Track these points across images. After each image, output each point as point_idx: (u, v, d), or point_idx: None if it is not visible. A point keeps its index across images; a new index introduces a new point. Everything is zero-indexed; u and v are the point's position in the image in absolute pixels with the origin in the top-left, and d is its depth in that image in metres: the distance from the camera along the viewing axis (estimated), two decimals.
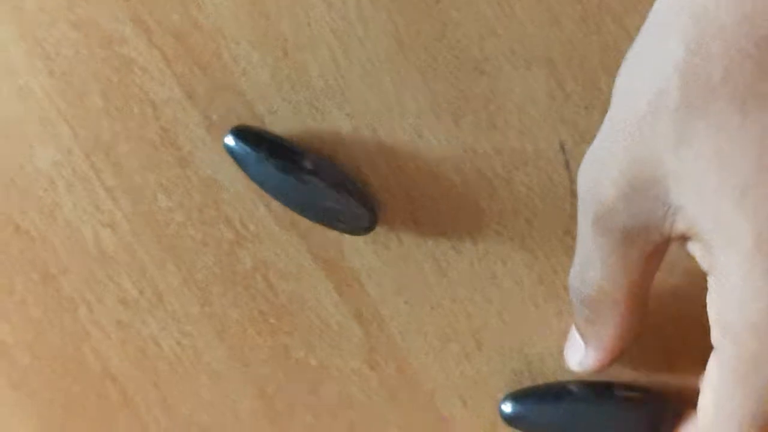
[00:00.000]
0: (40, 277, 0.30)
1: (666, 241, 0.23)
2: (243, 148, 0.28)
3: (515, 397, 0.29)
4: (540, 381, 0.30)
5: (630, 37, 0.29)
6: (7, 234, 0.30)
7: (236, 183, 0.30)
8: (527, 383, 0.30)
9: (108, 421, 0.30)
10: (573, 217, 0.29)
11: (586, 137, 0.29)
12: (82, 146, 0.30)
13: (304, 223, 0.30)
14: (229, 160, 0.29)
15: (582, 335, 0.27)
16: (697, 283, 0.23)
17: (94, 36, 0.29)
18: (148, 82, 0.29)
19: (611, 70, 0.29)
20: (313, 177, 0.28)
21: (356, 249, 0.30)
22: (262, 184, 0.28)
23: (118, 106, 0.29)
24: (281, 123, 0.29)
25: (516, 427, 0.29)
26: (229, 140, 0.28)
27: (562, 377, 0.30)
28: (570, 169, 0.29)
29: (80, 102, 0.29)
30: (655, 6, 0.23)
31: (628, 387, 0.29)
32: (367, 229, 0.29)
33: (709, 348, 0.23)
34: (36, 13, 0.29)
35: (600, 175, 0.23)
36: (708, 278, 0.22)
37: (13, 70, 0.29)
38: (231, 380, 0.30)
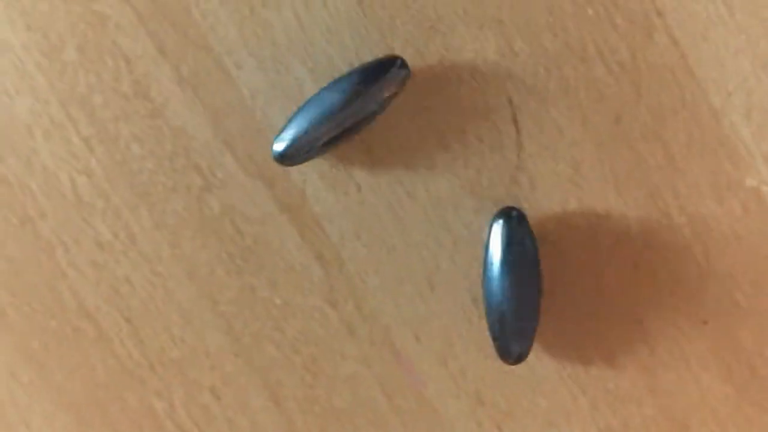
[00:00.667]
0: (18, 221, 0.32)
1: None
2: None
3: None
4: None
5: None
6: None
7: (205, 133, 0.31)
8: (476, 322, 0.32)
9: (83, 354, 0.32)
10: (519, 167, 0.31)
11: (533, 92, 0.31)
12: (58, 97, 0.31)
13: (270, 171, 0.31)
14: (198, 112, 0.31)
15: None
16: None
17: None
18: (122, 37, 0.31)
19: (555, 30, 0.31)
20: None
21: (318, 196, 0.32)
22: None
23: (92, 59, 0.31)
24: (247, 77, 0.31)
25: None
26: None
27: None
28: (517, 122, 0.31)
29: (56, 55, 0.31)
30: None
31: None
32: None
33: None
34: None
35: None
36: None
37: None
38: (200, 317, 0.32)
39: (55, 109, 0.31)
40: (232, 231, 0.32)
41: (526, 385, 0.33)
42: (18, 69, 0.31)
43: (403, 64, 0.29)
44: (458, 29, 0.31)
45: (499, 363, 0.32)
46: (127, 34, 0.31)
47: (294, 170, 0.31)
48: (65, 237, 0.32)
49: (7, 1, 0.31)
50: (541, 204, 0.32)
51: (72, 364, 0.32)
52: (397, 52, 0.31)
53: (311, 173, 0.31)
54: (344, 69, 0.31)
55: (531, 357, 0.31)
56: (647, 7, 0.31)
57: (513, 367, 0.32)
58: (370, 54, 0.31)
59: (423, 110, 0.31)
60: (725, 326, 0.32)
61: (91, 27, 0.31)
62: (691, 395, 0.33)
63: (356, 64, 0.31)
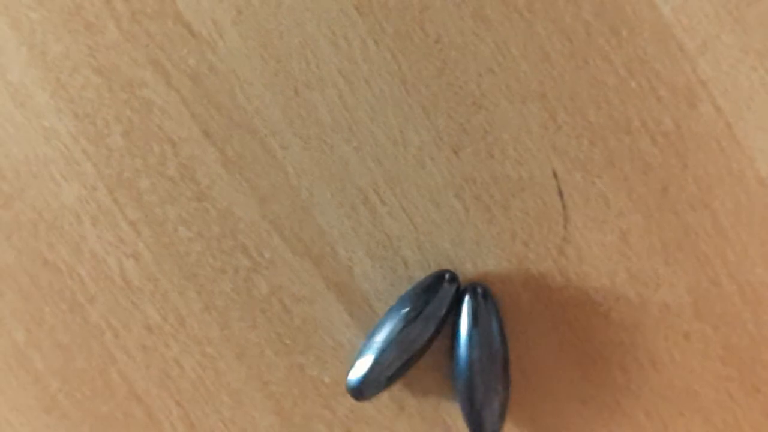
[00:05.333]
0: (68, 307, 0.32)
1: None
2: None
3: None
4: None
5: (615, 71, 0.31)
6: (37, 267, 0.32)
7: (251, 214, 0.31)
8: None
9: None
10: (566, 239, 0.31)
11: (577, 165, 0.31)
12: (105, 183, 0.31)
13: (316, 249, 0.31)
14: (245, 193, 0.31)
15: None
16: None
17: (116, 80, 0.31)
18: (167, 122, 0.31)
19: (599, 103, 0.31)
20: None
21: (365, 273, 0.32)
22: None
23: (139, 144, 0.31)
24: (293, 157, 0.31)
25: None
26: None
27: None
28: (562, 194, 0.31)
29: (103, 142, 0.31)
30: None
31: None
32: None
33: None
34: (60, 59, 0.31)
35: None
36: None
37: (39, 112, 0.31)
38: (250, 398, 0.32)
39: (103, 195, 0.31)
40: (280, 310, 0.32)
41: None
42: (65, 156, 0.31)
43: (453, 278, 0.30)
44: (501, 104, 0.31)
45: None
46: (172, 118, 0.31)
47: (341, 247, 0.32)
48: (114, 321, 0.32)
49: (54, 89, 0.31)
50: (590, 276, 0.31)
51: None
52: (440, 128, 0.31)
53: (358, 251, 0.31)
54: (388, 146, 0.31)
55: None
56: (690, 78, 0.31)
57: None
58: (413, 132, 0.31)
59: (468, 185, 0.31)
60: None
61: (137, 112, 0.31)
62: None
63: (399, 141, 0.31)
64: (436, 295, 0.30)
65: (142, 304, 0.32)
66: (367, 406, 0.32)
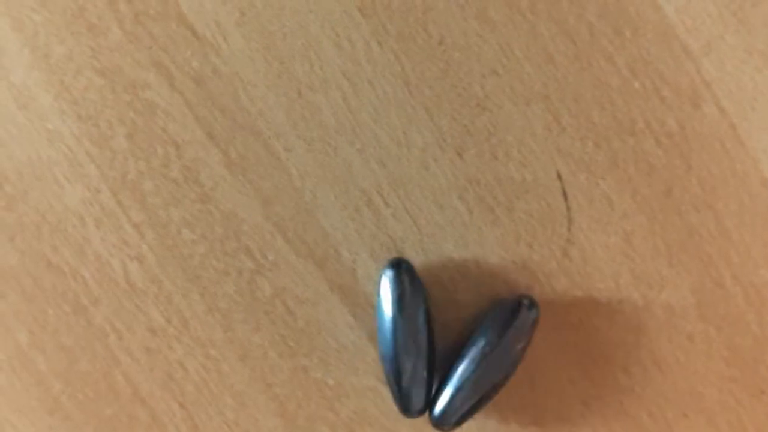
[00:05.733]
0: (71, 309, 0.32)
1: None
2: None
3: None
4: None
5: (619, 72, 0.31)
6: (40, 269, 0.32)
7: (255, 216, 0.31)
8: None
9: None
10: (570, 241, 0.31)
11: (581, 166, 0.31)
12: (109, 185, 0.31)
13: (320, 251, 0.31)
14: (248, 195, 0.31)
15: None
16: None
17: (119, 82, 0.31)
18: (171, 124, 0.31)
19: (603, 104, 0.31)
20: None
21: (369, 275, 0.32)
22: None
23: (142, 147, 0.31)
24: (296, 159, 0.31)
25: None
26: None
27: None
28: (566, 196, 0.31)
29: (107, 144, 0.31)
30: None
31: None
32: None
33: None
34: (63, 61, 0.31)
35: None
36: None
37: (43, 114, 0.31)
38: (254, 400, 0.32)
39: (106, 197, 0.31)
40: (284, 312, 0.32)
41: None
42: (69, 158, 0.31)
43: (532, 304, 0.30)
44: (505, 106, 0.31)
45: None
46: (175, 120, 0.31)
47: (344, 249, 0.31)
48: (118, 324, 0.32)
49: (57, 91, 0.31)
50: (594, 277, 0.31)
51: None
52: (444, 130, 0.31)
53: (362, 252, 0.31)
54: (392, 148, 0.31)
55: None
56: (694, 79, 0.31)
57: None
58: (417, 133, 0.31)
59: (472, 187, 0.31)
60: None
61: (140, 114, 0.31)
62: None
63: (402, 143, 0.31)
64: (515, 323, 0.30)
65: (145, 307, 0.32)
66: (369, 408, 0.32)
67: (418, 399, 0.30)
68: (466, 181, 0.31)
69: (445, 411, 0.30)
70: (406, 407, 0.30)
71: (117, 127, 0.31)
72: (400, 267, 0.30)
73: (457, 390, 0.30)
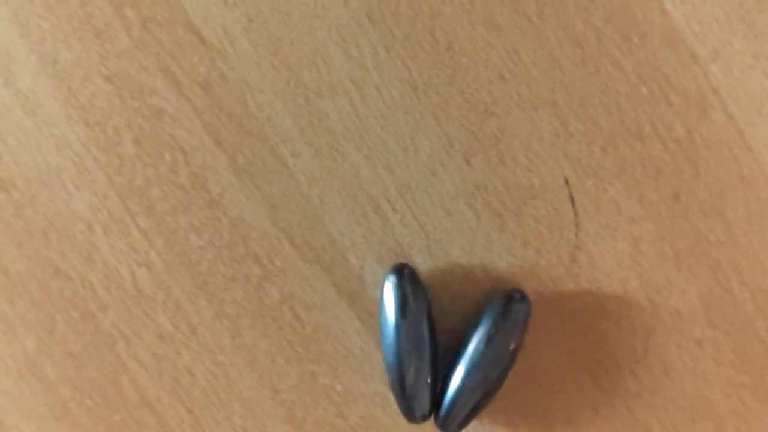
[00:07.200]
0: (79, 315, 0.32)
1: None
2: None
3: None
4: None
5: (626, 77, 0.31)
6: (48, 275, 0.32)
7: (262, 222, 0.31)
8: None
9: None
10: (578, 247, 0.31)
11: (588, 172, 0.31)
12: (117, 191, 0.31)
13: (328, 257, 0.31)
14: (256, 201, 0.31)
15: None
16: None
17: (127, 88, 0.31)
18: (178, 130, 0.31)
19: (610, 109, 0.31)
20: None
21: (376, 281, 0.32)
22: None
23: (150, 152, 0.31)
24: (304, 165, 0.31)
25: None
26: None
27: None
28: (574, 201, 0.31)
29: (114, 150, 0.31)
30: None
31: None
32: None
33: None
34: (70, 68, 0.31)
35: None
36: None
37: (50, 121, 0.31)
38: (262, 406, 0.32)
39: (114, 203, 0.31)
40: (291, 318, 0.32)
41: None
42: (76, 164, 0.31)
43: (523, 297, 0.30)
44: (512, 111, 0.31)
45: None
46: (183, 127, 0.31)
47: (352, 255, 0.31)
48: (126, 330, 0.32)
49: (65, 97, 0.31)
50: (602, 283, 0.31)
51: None
52: (452, 136, 0.31)
53: (369, 258, 0.31)
54: (399, 154, 0.31)
55: None
56: (702, 84, 0.31)
57: None
58: (425, 139, 0.31)
59: (480, 193, 0.31)
60: None
61: (148, 121, 0.31)
62: None
63: (410, 149, 0.31)
64: (508, 317, 0.30)
65: (153, 313, 0.32)
66: (377, 414, 0.32)
67: (422, 405, 0.30)
68: (473, 187, 0.31)
69: (448, 414, 0.30)
70: (410, 413, 0.30)
71: (124, 134, 0.31)
72: (403, 273, 0.30)
73: (458, 391, 0.30)
